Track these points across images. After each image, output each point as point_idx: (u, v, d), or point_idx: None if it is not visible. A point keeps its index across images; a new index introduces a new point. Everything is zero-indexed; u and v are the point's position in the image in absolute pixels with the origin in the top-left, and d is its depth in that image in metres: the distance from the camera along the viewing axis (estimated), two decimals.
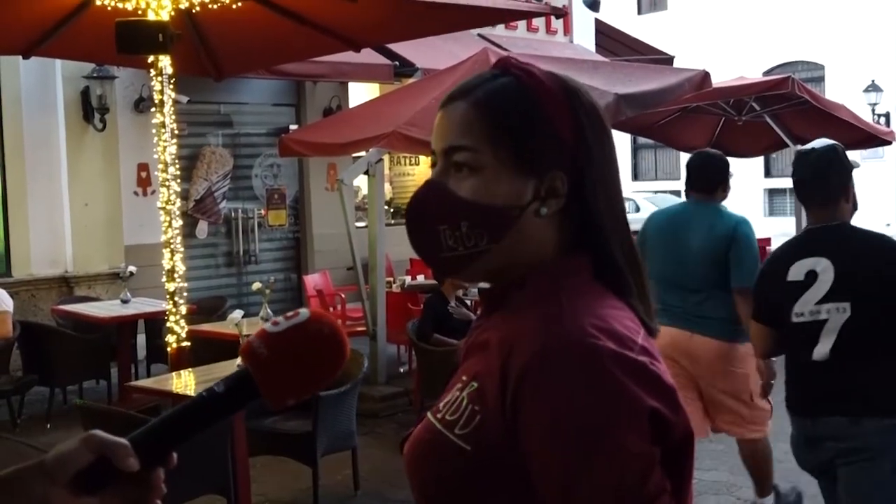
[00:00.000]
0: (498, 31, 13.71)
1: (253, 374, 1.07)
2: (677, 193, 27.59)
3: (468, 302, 8.33)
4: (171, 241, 6.51)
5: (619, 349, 1.15)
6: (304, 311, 1.10)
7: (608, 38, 16.36)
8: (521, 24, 14.38)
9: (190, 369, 5.88)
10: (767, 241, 13.80)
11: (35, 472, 1.04)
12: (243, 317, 5.75)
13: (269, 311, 7.34)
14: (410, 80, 10.75)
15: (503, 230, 1.26)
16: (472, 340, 1.32)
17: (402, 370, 9.24)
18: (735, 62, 21.89)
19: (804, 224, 11.28)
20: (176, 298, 6.47)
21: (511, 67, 1.31)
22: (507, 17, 10.00)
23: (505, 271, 1.30)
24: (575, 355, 1.14)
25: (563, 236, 1.29)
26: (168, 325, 6.55)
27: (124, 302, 8.45)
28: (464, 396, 1.23)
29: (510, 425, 1.16)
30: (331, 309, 9.85)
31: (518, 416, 1.15)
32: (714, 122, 13.79)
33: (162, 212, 6.52)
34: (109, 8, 6.27)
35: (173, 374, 5.91)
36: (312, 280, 10.53)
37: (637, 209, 22.54)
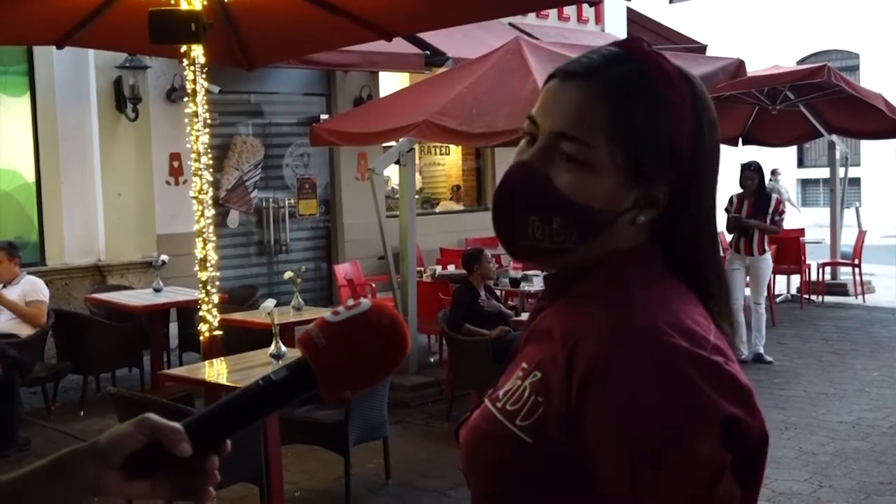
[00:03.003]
0: (529, 20, 13.65)
1: (311, 364, 1.04)
2: None
3: (497, 293, 8.31)
4: (204, 230, 6.52)
5: (693, 348, 1.09)
6: (365, 302, 1.07)
7: (640, 27, 16.23)
8: (553, 12, 14.30)
9: (222, 358, 5.89)
10: (801, 231, 13.67)
11: (88, 454, 1.05)
12: (275, 306, 5.74)
13: (300, 299, 7.38)
14: (441, 70, 10.72)
15: (595, 234, 1.19)
16: (533, 325, 1.27)
17: (432, 360, 9.24)
18: (768, 51, 21.67)
19: (839, 214, 11.93)
20: (208, 287, 6.49)
21: (641, 54, 1.21)
22: (538, 5, 9.94)
23: (581, 265, 1.24)
24: (647, 353, 1.08)
25: (649, 237, 1.23)
26: (200, 313, 6.57)
27: (157, 291, 8.50)
28: (526, 386, 1.18)
29: (574, 420, 1.10)
30: (361, 299, 9.85)
31: (584, 412, 1.09)
32: (747, 111, 13.70)
33: (194, 201, 6.53)
34: None
35: (205, 362, 5.93)
36: (343, 269, 10.54)
37: None
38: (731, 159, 10.49)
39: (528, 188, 1.20)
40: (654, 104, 1.18)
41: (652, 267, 1.21)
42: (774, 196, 9.31)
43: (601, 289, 1.19)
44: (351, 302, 1.07)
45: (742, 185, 9.28)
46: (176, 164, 10.52)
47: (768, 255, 9.35)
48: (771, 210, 9.14)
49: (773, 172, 18.87)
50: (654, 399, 1.06)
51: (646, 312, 1.12)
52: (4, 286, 7.60)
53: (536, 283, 8.46)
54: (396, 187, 10.91)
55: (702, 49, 15.15)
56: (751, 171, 9.23)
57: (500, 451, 1.18)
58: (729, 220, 9.24)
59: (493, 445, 1.20)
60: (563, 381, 1.13)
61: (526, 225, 1.20)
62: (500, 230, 1.24)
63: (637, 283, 1.17)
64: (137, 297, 8.57)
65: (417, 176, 12.86)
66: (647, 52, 1.21)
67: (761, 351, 9.23)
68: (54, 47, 7.84)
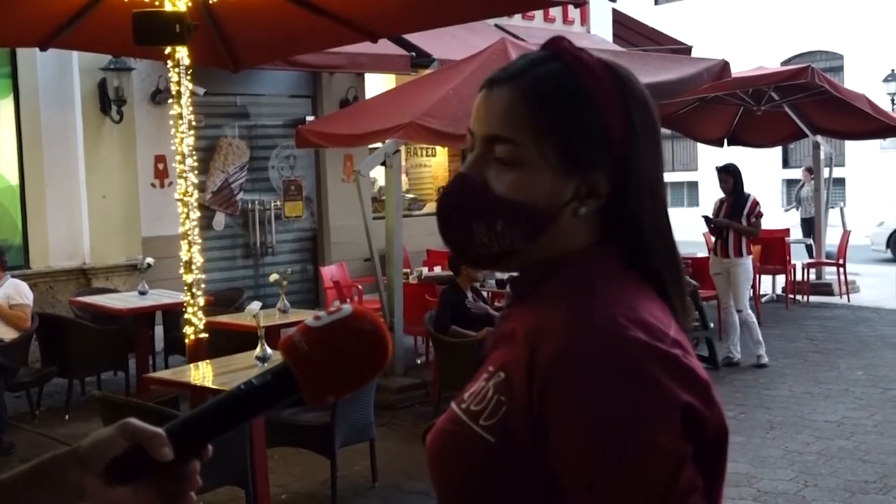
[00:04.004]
0: (515, 22, 13.66)
1: (293, 369, 1.05)
2: (694, 185, 27.49)
3: (484, 294, 8.31)
4: (189, 232, 6.50)
5: (651, 340, 1.11)
6: (346, 307, 1.08)
7: (625, 29, 16.28)
8: (538, 14, 14.32)
9: (207, 361, 5.88)
10: (786, 231, 13.72)
11: (70, 459, 1.04)
12: (261, 308, 5.73)
13: (286, 302, 7.38)
14: (427, 71, 10.72)
15: (540, 230, 1.22)
16: (499, 330, 1.28)
17: (419, 361, 9.24)
18: (753, 52, 21.74)
19: (824, 215, 11.82)
20: (193, 290, 6.48)
21: (562, 52, 1.25)
22: (524, 6, 9.95)
23: (537, 264, 1.26)
24: (604, 346, 1.10)
25: (599, 231, 1.25)
26: (186, 316, 6.55)
27: (142, 293, 8.47)
28: (490, 387, 1.20)
29: (537, 418, 1.12)
30: (347, 300, 9.85)
31: (545, 409, 1.11)
32: (732, 112, 13.74)
33: (179, 203, 6.52)
34: None
35: (191, 365, 5.92)
36: (329, 271, 10.53)
37: None
38: (717, 161, 10.53)
39: (467, 196, 1.24)
40: (578, 97, 1.22)
41: (610, 265, 1.23)
42: (752, 197, 9.29)
43: (562, 288, 1.21)
44: (333, 308, 1.07)
45: (720, 187, 9.34)
46: (161, 166, 10.48)
47: (748, 260, 9.21)
48: (746, 211, 9.07)
49: (809, 171, 15.98)
50: (614, 392, 1.07)
51: (604, 308, 1.14)
52: None
53: None
54: (383, 189, 10.90)
55: (687, 50, 15.20)
56: (726, 174, 9.25)
57: (464, 452, 1.19)
58: (706, 221, 9.29)
59: (457, 446, 1.21)
60: (525, 380, 1.14)
61: (471, 233, 1.23)
62: (449, 243, 1.28)
63: (597, 282, 1.19)
64: (122, 300, 8.55)
65: (404, 177, 12.83)
66: (568, 50, 1.25)
67: (762, 353, 9.16)
68: (38, 49, 7.81)
